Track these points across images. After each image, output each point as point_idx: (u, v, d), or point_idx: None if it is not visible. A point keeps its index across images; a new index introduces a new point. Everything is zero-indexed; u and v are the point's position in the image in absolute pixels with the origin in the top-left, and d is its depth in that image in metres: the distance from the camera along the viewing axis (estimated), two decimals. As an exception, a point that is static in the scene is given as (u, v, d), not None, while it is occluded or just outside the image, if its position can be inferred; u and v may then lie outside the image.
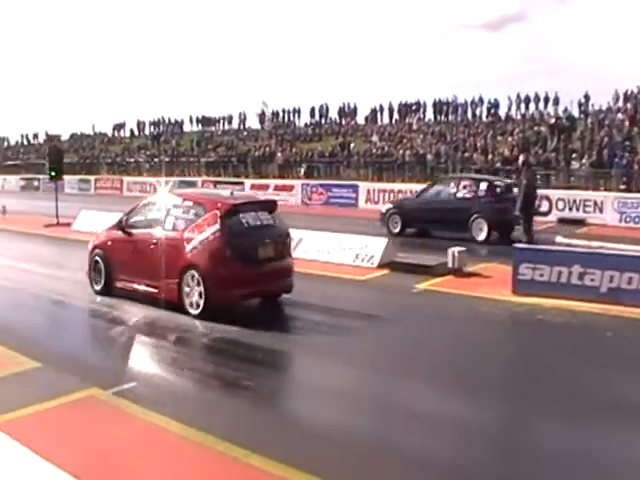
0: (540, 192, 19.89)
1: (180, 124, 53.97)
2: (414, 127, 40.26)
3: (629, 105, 33.36)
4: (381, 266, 14.25)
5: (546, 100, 37.28)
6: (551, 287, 11.36)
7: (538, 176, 23.73)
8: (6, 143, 66.71)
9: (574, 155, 29.03)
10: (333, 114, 46.04)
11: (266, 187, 35.15)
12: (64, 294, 12.45)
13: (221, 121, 51.77)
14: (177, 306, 10.42)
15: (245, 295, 10.69)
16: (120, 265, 11.70)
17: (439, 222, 19.64)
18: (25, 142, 64.17)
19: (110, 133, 58.80)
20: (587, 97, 35.48)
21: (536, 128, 33.55)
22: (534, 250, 12.54)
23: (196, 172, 42.86)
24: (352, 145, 38.31)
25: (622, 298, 10.73)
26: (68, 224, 22.25)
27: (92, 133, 60.50)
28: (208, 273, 10.12)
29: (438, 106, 41.08)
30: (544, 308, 10.83)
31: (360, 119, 44.93)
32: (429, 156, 33.20)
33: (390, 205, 21.96)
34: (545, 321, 10.27)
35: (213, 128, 51.77)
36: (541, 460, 5.70)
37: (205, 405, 7.00)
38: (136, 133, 56.28)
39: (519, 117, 37.87)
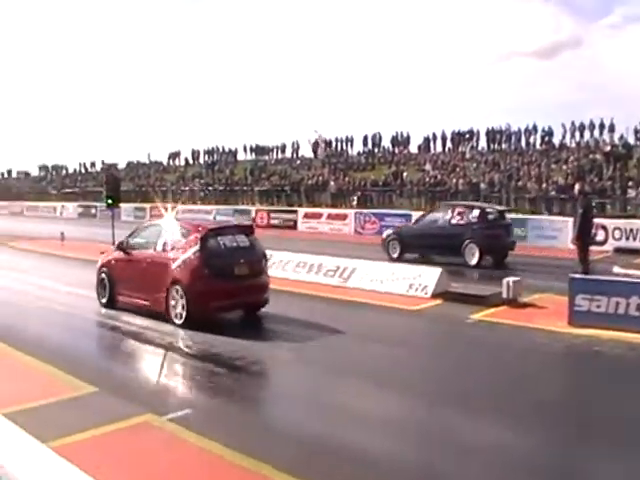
0: (596, 221, 19.75)
1: (234, 153, 54.61)
2: (467, 155, 40.13)
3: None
4: (435, 296, 14.24)
5: (601, 127, 36.72)
6: (608, 319, 11.19)
7: (594, 205, 23.47)
8: (65, 171, 68.88)
9: (630, 183, 28.61)
10: (386, 143, 46.28)
11: (319, 216, 35.39)
12: (119, 319, 12.75)
13: (274, 150, 52.21)
14: (165, 316, 11.90)
15: (222, 307, 12.12)
16: (121, 281, 13.36)
17: (434, 247, 20.77)
18: (83, 170, 65.96)
19: (165, 162, 59.99)
20: (643, 124, 34.93)
21: (591, 156, 33.13)
22: (590, 281, 12.39)
23: (250, 201, 43.33)
24: (405, 174, 38.27)
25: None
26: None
27: (148, 162, 61.66)
28: (189, 287, 11.65)
29: (491, 134, 40.85)
30: (601, 340, 10.68)
31: (413, 148, 45.06)
32: (482, 185, 33.02)
33: (390, 231, 22.99)
34: (602, 353, 10.14)
35: (267, 157, 52.26)
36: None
37: (260, 432, 7.06)
38: (191, 162, 57.16)
39: (574, 145, 37.43)
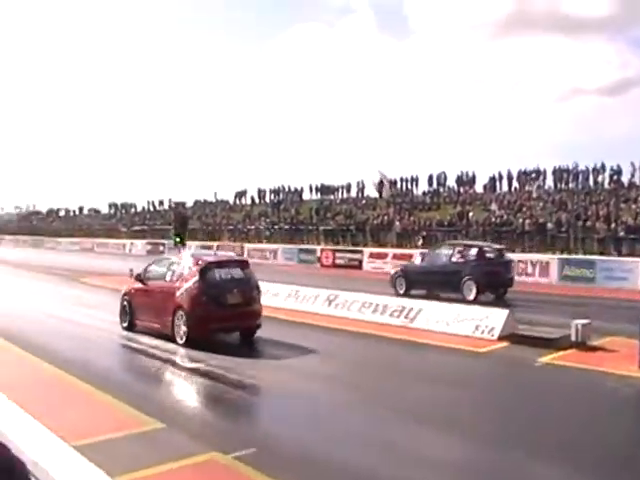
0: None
1: (300, 192, 55.02)
2: (534, 195, 39.55)
3: None
4: (501, 338, 14.15)
5: (672, 165, 35.97)
6: (681, 364, 11.04)
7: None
8: (133, 209, 70.76)
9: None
10: (451, 182, 45.99)
11: (384, 255, 35.43)
12: (182, 355, 13.19)
13: (340, 190, 52.34)
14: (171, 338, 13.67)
15: (218, 329, 13.98)
16: (139, 308, 15.29)
17: (436, 283, 21.93)
18: (151, 208, 67.51)
19: (232, 200, 60.85)
20: None
21: (662, 195, 32.52)
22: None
23: (315, 240, 43.62)
24: (471, 214, 38.09)
25: None
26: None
27: (214, 200, 62.71)
28: (190, 312, 13.53)
29: (558, 173, 40.28)
30: (673, 385, 10.53)
31: (479, 187, 44.66)
32: (549, 225, 32.64)
33: (398, 269, 24.26)
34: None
35: (332, 196, 52.46)
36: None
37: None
38: (257, 201, 57.81)
39: (643, 184, 36.71)
